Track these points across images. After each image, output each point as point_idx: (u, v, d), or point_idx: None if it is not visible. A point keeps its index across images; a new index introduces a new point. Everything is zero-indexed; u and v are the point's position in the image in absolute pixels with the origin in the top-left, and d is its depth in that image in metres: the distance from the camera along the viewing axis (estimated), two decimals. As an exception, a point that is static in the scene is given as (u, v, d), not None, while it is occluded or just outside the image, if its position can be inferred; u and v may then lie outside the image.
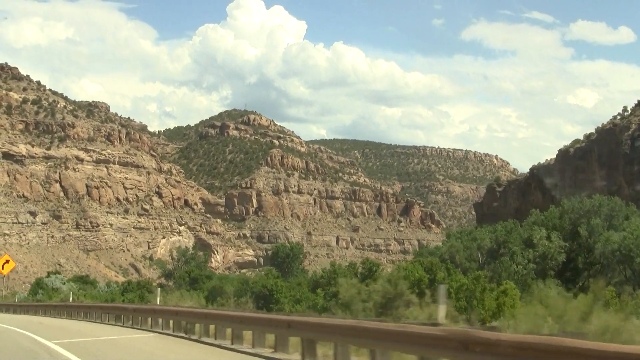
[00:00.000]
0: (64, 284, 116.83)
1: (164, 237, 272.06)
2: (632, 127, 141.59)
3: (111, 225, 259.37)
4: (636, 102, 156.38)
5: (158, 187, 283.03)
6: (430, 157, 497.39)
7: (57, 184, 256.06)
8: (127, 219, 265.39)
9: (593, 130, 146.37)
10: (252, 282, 75.66)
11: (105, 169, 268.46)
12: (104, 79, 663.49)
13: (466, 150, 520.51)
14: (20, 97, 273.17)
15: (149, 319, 38.58)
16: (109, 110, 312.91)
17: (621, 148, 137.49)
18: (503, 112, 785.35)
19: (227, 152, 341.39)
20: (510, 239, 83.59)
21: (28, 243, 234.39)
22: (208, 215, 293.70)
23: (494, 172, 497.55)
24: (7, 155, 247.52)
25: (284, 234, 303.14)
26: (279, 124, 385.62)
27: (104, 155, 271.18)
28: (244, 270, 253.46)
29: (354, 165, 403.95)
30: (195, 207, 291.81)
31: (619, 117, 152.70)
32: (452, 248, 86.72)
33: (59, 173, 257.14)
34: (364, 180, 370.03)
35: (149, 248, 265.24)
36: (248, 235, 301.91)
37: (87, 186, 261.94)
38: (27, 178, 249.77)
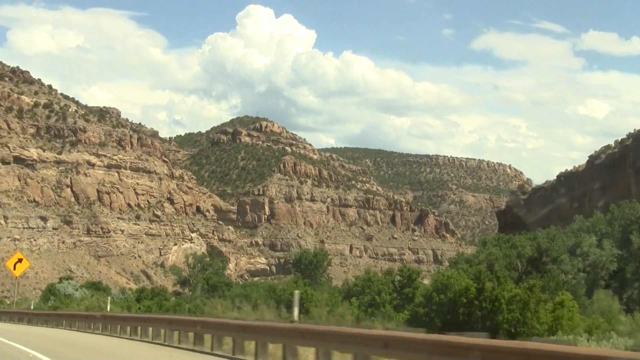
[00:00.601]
0: (77, 290, 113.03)
1: (175, 244, 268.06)
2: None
3: (122, 231, 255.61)
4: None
5: (170, 193, 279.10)
6: (443, 166, 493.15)
7: (68, 189, 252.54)
8: (138, 225, 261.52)
9: (625, 136, 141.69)
10: (279, 290, 71.23)
11: (116, 174, 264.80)
12: (114, 86, 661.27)
13: (479, 159, 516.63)
14: (31, 101, 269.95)
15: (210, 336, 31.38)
16: (120, 116, 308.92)
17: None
18: (513, 122, 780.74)
19: (239, 158, 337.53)
20: (554, 246, 78.87)
21: (39, 248, 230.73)
22: (220, 222, 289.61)
23: (507, 182, 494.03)
24: (18, 160, 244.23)
25: (296, 242, 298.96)
26: (290, 131, 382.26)
27: (116, 160, 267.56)
28: (256, 279, 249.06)
29: (366, 174, 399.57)
30: (207, 213, 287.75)
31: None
32: (490, 256, 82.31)
33: (70, 178, 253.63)
34: (377, 189, 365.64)
35: (160, 255, 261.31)
36: (260, 243, 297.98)
37: (98, 191, 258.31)
38: (38, 183, 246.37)
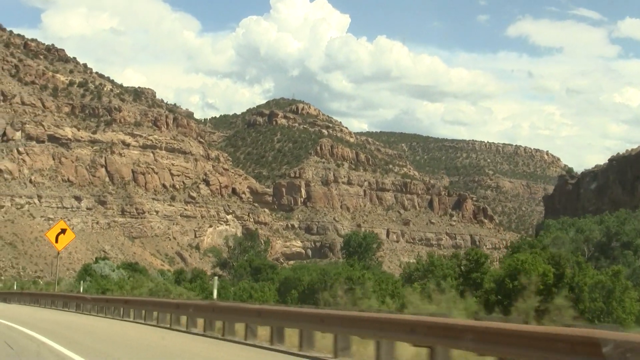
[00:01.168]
0: (114, 270, 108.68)
1: (210, 226, 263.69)
2: None
3: (157, 212, 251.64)
4: None
5: (205, 174, 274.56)
6: (479, 151, 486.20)
7: (103, 169, 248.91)
8: (173, 206, 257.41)
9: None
10: (334, 274, 65.63)
11: (151, 155, 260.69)
12: (148, 69, 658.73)
13: (516, 145, 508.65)
14: (66, 79, 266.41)
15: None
16: (155, 96, 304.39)
17: None
18: (547, 109, 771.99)
19: (275, 140, 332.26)
20: (625, 230, 72.37)
21: (72, 228, 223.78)
22: (256, 204, 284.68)
23: (544, 168, 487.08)
24: (53, 139, 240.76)
25: (333, 226, 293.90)
26: (326, 114, 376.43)
27: (151, 140, 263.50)
28: (291, 262, 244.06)
29: (402, 158, 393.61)
30: (243, 196, 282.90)
31: None
32: (556, 240, 76.32)
33: (105, 158, 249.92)
34: (414, 174, 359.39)
35: (195, 237, 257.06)
36: (296, 226, 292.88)
37: (133, 172, 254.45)
38: (73, 162, 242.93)
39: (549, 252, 57.92)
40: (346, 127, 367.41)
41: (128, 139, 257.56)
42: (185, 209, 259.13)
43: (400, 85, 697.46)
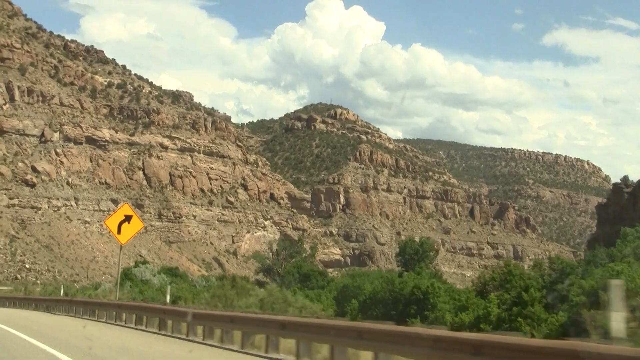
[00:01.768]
0: (154, 275, 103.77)
1: (248, 232, 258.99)
2: None
3: (194, 216, 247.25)
4: None
5: (244, 179, 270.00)
6: (519, 160, 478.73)
7: (140, 172, 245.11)
8: (211, 210, 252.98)
9: None
10: (399, 283, 60.01)
11: (189, 158, 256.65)
12: (184, 74, 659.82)
13: (556, 154, 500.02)
14: (105, 80, 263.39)
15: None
16: (192, 100, 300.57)
17: None
18: (583, 119, 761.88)
19: (313, 146, 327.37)
20: None
21: (109, 232, 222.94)
22: (294, 210, 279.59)
23: (585, 178, 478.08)
24: (90, 140, 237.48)
25: (372, 233, 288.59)
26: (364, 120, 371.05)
27: (189, 143, 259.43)
28: (329, 270, 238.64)
29: (440, 166, 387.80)
30: (281, 201, 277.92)
31: None
32: (637, 250, 70.34)
33: (143, 160, 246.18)
34: (453, 182, 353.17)
35: (232, 242, 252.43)
36: (335, 232, 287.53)
37: (170, 175, 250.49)
38: (110, 164, 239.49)
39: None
40: (385, 133, 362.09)
41: (166, 142, 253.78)
42: (222, 214, 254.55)
43: (435, 93, 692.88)
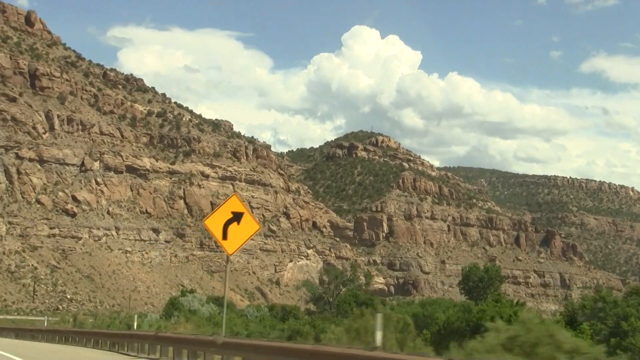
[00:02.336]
0: (203, 305, 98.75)
1: (291, 261, 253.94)
2: None
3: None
4: None
5: (286, 207, 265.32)
6: (562, 187, 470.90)
7: (181, 201, 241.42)
8: (253, 240, 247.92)
9: None
10: (477, 312, 54.43)
11: (231, 186, 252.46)
12: (221, 106, 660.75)
13: (600, 181, 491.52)
14: (145, 109, 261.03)
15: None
16: (232, 128, 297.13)
17: None
18: (623, 146, 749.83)
19: (355, 173, 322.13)
20: None
21: (150, 262, 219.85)
22: (337, 238, 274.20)
23: (630, 205, 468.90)
24: (131, 169, 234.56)
25: (416, 262, 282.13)
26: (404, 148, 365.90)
27: (230, 172, 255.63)
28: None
29: (482, 194, 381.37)
30: (323, 230, 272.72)
31: None
32: None
33: (183, 189, 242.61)
34: (497, 209, 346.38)
35: (275, 271, 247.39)
36: (378, 261, 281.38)
37: (212, 204, 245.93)
38: (151, 193, 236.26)
39: None
40: (427, 161, 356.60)
41: (207, 170, 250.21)
42: (265, 243, 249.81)
43: (472, 121, 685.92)
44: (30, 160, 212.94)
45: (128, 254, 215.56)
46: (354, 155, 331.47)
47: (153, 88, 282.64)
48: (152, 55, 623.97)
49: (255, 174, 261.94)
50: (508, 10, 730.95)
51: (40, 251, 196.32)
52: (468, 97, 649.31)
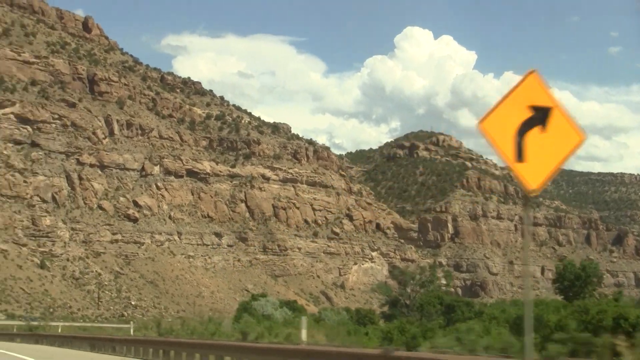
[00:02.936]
0: (276, 309, 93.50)
1: (355, 264, 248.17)
2: None
3: (299, 249, 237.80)
4: None
5: (348, 209, 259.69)
6: (630, 184, 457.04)
7: (243, 204, 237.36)
8: (316, 242, 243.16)
9: None
10: (597, 313, 48.06)
11: (292, 189, 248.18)
12: (275, 110, 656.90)
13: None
14: (203, 112, 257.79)
15: None
16: (290, 131, 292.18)
17: None
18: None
19: (417, 174, 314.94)
20: None
21: (214, 266, 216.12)
22: (401, 240, 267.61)
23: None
24: (191, 173, 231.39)
25: (483, 263, 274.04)
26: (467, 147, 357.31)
27: (291, 174, 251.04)
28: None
29: (548, 192, 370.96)
30: (387, 231, 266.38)
31: None
32: None
33: (245, 192, 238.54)
34: (565, 207, 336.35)
35: (340, 275, 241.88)
36: (444, 263, 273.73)
37: (273, 207, 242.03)
38: (212, 197, 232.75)
39: None
40: (490, 159, 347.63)
41: (268, 173, 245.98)
42: (328, 246, 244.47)
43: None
44: (91, 165, 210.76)
45: (191, 259, 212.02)
46: (415, 155, 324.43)
47: (211, 91, 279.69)
48: (206, 62, 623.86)
49: (316, 175, 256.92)
50: (564, 6, 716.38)
51: (104, 257, 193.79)
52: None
